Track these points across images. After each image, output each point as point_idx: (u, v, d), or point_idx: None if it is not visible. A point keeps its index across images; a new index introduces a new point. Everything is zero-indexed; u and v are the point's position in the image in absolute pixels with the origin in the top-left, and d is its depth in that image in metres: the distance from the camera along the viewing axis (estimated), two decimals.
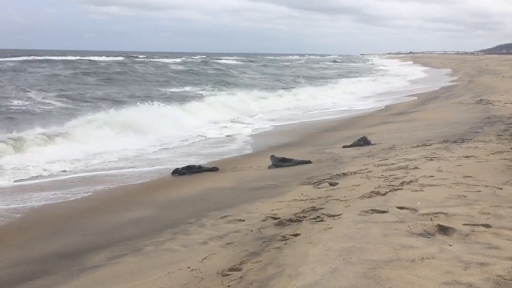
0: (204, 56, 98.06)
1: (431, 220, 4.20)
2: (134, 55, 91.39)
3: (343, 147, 10.99)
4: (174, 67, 55.49)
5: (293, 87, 33.20)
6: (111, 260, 4.93)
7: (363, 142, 10.85)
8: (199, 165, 9.93)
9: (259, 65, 71.31)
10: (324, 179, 7.30)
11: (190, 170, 9.60)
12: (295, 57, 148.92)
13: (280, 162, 9.50)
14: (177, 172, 9.58)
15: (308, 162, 9.57)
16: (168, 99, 23.98)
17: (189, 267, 4.21)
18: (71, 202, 7.87)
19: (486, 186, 5.43)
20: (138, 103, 19.00)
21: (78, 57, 65.21)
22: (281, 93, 28.03)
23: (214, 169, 9.81)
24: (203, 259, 4.38)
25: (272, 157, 9.66)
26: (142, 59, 71.61)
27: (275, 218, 5.44)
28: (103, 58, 66.80)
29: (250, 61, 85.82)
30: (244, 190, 7.69)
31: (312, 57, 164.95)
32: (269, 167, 9.50)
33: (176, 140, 14.10)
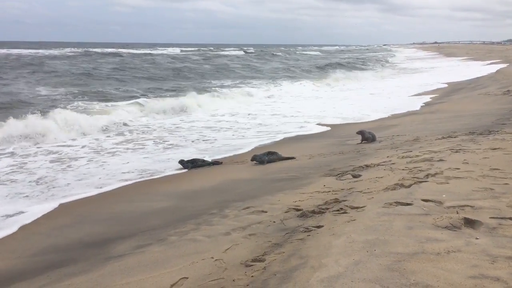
0: (253, 49, 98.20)
1: (457, 213, 4.14)
2: (190, 48, 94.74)
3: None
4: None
5: None
6: (136, 249, 5.02)
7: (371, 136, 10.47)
8: (203, 159, 9.93)
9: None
10: (347, 171, 7.25)
11: (194, 163, 9.61)
12: (335, 47, 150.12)
13: (268, 156, 9.33)
14: (182, 163, 9.62)
15: (292, 158, 9.49)
16: None
17: (212, 257, 4.25)
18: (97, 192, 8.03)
19: None
20: None
21: (142, 50, 70.03)
22: None
23: (217, 163, 9.82)
24: (226, 250, 4.42)
25: (256, 157, 9.40)
26: (214, 52, 75.21)
27: (297, 210, 5.43)
28: (173, 51, 72.39)
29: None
30: (266, 182, 7.71)
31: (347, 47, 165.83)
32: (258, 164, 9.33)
33: None
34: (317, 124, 15.08)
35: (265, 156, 9.34)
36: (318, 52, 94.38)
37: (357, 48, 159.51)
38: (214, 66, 45.14)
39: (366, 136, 10.34)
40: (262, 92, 25.76)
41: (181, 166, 9.59)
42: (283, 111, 18.42)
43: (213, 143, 12.47)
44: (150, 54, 61.19)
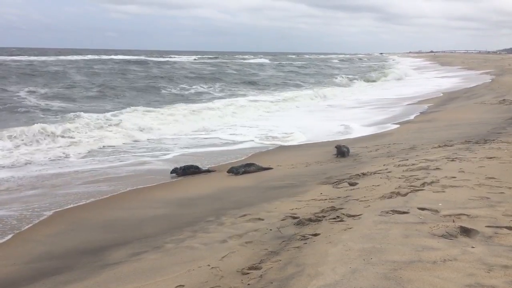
0: (269, 58, 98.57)
1: (453, 221, 4.15)
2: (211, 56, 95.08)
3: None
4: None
5: None
6: (132, 256, 5.00)
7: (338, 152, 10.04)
8: (196, 166, 9.86)
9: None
10: (344, 179, 7.26)
11: (187, 171, 9.56)
12: (341, 55, 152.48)
13: (245, 167, 9.30)
14: (175, 171, 9.57)
15: (269, 168, 9.48)
16: None
17: (209, 265, 4.24)
18: (92, 199, 7.99)
19: (510, 187, 5.34)
20: None
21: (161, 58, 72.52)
22: None
23: (210, 171, 9.77)
24: (222, 257, 4.41)
25: (233, 168, 9.40)
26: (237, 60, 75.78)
27: (294, 218, 5.44)
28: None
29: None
30: (263, 189, 7.71)
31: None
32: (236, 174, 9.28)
33: None
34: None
35: (241, 168, 9.29)
36: (337, 60, 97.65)
37: (366, 56, 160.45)
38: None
39: (342, 150, 10.04)
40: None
41: (175, 174, 9.55)
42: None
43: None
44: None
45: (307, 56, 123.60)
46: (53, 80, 32.23)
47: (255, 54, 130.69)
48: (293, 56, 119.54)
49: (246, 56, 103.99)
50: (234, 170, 9.31)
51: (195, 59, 75.13)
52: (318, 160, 9.93)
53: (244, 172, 9.21)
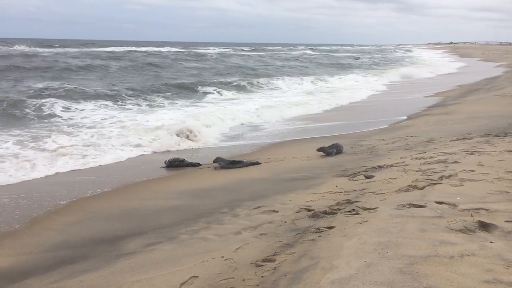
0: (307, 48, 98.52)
1: (472, 216, 4.07)
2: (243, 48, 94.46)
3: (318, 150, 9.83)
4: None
5: None
6: (147, 247, 5.03)
7: (336, 149, 9.62)
8: (183, 159, 9.77)
9: None
10: (360, 172, 7.19)
11: (172, 164, 9.56)
12: (368, 47, 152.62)
13: (229, 165, 9.20)
14: (165, 163, 9.63)
15: (257, 163, 9.33)
16: None
17: (223, 257, 4.24)
18: (107, 189, 8.06)
19: None
20: None
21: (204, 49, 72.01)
22: None
23: (196, 165, 9.69)
24: (236, 249, 4.40)
25: (218, 159, 9.39)
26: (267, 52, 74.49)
27: (309, 210, 5.40)
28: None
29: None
30: (278, 181, 7.67)
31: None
32: (219, 168, 9.25)
33: None
34: None
35: (225, 164, 9.24)
36: (374, 51, 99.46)
37: (394, 47, 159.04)
38: None
39: (327, 152, 9.62)
40: None
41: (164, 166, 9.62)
42: None
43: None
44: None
45: (335, 48, 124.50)
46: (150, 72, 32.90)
47: (284, 46, 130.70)
48: (328, 48, 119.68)
49: (279, 47, 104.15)
50: (219, 162, 9.34)
51: (232, 50, 74.53)
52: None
53: (226, 168, 9.15)
